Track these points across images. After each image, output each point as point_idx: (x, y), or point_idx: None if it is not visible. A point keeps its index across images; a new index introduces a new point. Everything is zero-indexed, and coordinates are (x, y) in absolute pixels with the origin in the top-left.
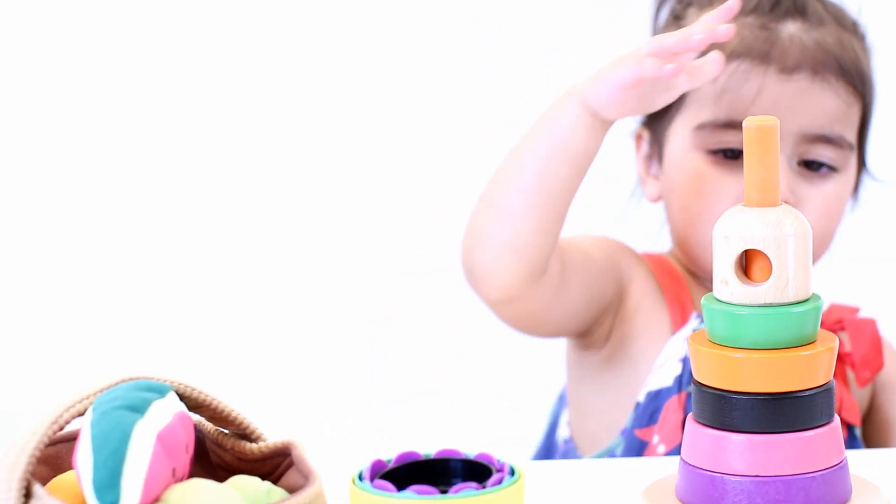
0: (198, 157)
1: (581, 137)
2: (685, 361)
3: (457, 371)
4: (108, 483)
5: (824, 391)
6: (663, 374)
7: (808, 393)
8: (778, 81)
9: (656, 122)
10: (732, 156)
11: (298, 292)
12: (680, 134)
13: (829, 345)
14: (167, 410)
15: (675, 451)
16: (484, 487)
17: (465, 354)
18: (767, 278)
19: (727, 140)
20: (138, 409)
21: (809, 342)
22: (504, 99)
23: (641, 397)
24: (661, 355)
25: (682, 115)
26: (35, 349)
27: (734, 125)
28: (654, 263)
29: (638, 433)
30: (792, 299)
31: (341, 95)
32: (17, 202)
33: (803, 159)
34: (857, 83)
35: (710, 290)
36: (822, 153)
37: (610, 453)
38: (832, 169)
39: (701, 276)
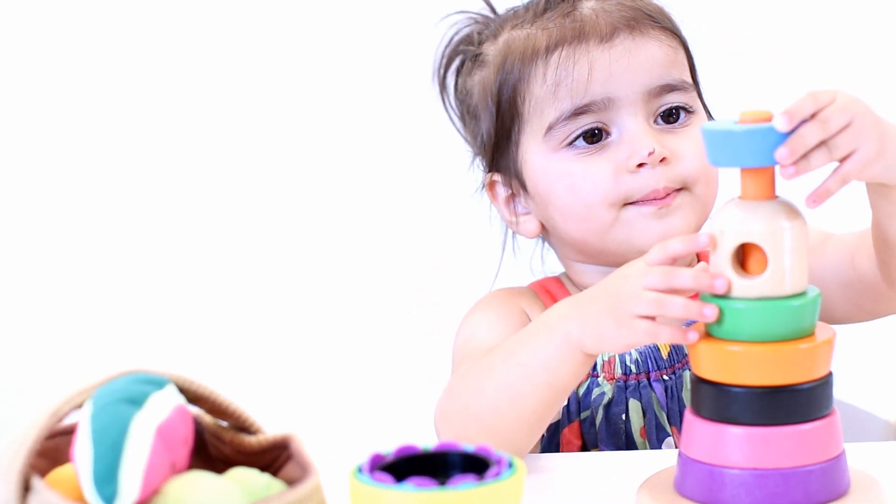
0: (195, 154)
1: (578, 375)
2: None
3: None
4: (107, 476)
5: (822, 384)
6: None
7: (806, 386)
8: (602, 51)
9: (502, 158)
10: (592, 140)
11: (297, 286)
12: (533, 149)
13: (827, 337)
14: (166, 403)
15: None
16: (482, 480)
17: None
18: (764, 272)
19: (580, 125)
20: (137, 401)
21: (807, 335)
22: None
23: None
24: None
25: (526, 132)
26: (35, 345)
27: (581, 111)
28: (543, 291)
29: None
30: (789, 292)
31: (341, 95)
32: (18, 202)
33: (659, 113)
34: (672, 27)
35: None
36: (673, 99)
37: None
38: (688, 112)
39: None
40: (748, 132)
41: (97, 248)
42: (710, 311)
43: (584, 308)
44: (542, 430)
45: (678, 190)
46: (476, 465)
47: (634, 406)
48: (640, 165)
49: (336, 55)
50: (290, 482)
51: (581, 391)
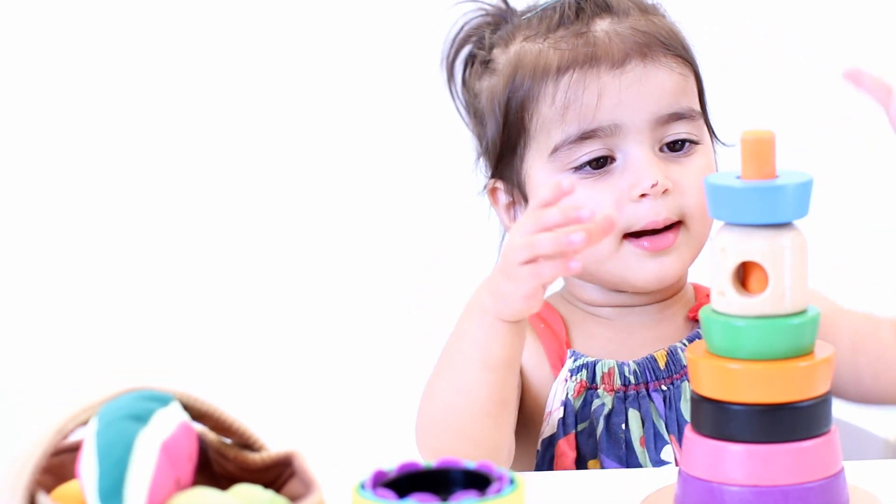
0: (195, 154)
1: (510, 346)
2: (565, 404)
3: None
4: (113, 492)
5: (822, 401)
6: (552, 421)
7: (805, 404)
8: (613, 77)
9: (506, 169)
10: (597, 165)
11: (301, 303)
12: (537, 166)
13: (827, 355)
14: (171, 420)
15: None
16: (484, 496)
17: None
18: (764, 290)
19: (586, 151)
20: (142, 418)
21: (807, 353)
22: None
23: (539, 446)
24: (548, 402)
25: (532, 148)
26: (35, 346)
27: (587, 136)
28: (533, 317)
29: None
30: (789, 310)
31: (341, 96)
32: (18, 203)
33: (665, 143)
34: (684, 53)
35: (600, 316)
36: (679, 130)
37: None
38: (694, 143)
39: (594, 305)
40: (750, 190)
41: (102, 262)
42: (577, 237)
43: (489, 280)
44: (506, 418)
45: (676, 223)
46: (478, 481)
47: (634, 416)
48: (643, 195)
49: (336, 56)
50: (294, 498)
51: (578, 404)
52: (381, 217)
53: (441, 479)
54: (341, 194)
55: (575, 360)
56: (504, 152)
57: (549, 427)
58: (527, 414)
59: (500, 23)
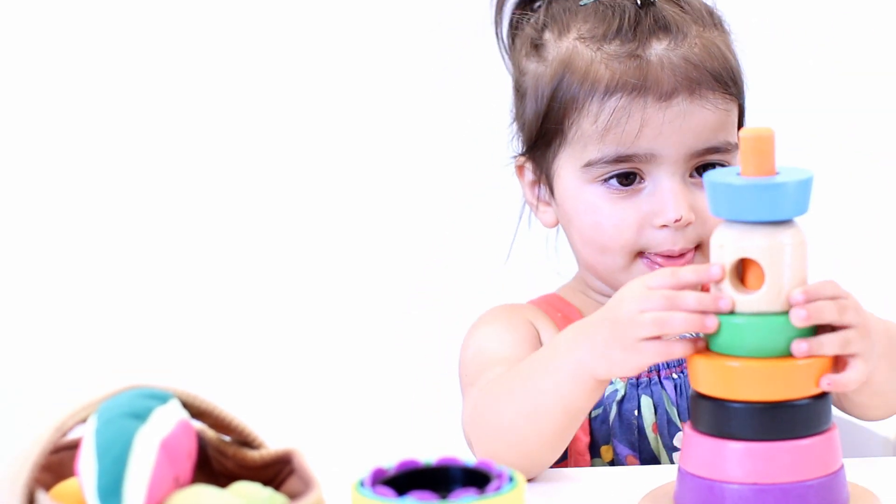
0: (199, 166)
1: (593, 399)
2: None
3: (458, 380)
4: (112, 490)
5: (821, 399)
6: None
7: (805, 401)
8: (658, 110)
9: (539, 154)
10: (626, 182)
11: (299, 301)
12: (568, 170)
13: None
14: (170, 418)
15: None
16: (483, 494)
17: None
18: (762, 287)
19: (618, 168)
20: (141, 416)
21: None
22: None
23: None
24: None
25: (566, 152)
26: (37, 354)
27: (622, 159)
28: (548, 307)
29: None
30: (788, 308)
31: (341, 95)
32: (19, 205)
33: (695, 168)
34: (731, 87)
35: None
36: (712, 159)
37: None
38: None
39: (606, 296)
40: (749, 187)
41: (102, 260)
42: (711, 323)
43: (590, 336)
44: (566, 443)
45: (692, 249)
46: (477, 479)
47: (646, 402)
48: (664, 226)
49: (336, 56)
50: (293, 496)
51: None
52: (381, 216)
53: (440, 477)
54: (341, 193)
55: None
56: (539, 142)
57: None
58: None
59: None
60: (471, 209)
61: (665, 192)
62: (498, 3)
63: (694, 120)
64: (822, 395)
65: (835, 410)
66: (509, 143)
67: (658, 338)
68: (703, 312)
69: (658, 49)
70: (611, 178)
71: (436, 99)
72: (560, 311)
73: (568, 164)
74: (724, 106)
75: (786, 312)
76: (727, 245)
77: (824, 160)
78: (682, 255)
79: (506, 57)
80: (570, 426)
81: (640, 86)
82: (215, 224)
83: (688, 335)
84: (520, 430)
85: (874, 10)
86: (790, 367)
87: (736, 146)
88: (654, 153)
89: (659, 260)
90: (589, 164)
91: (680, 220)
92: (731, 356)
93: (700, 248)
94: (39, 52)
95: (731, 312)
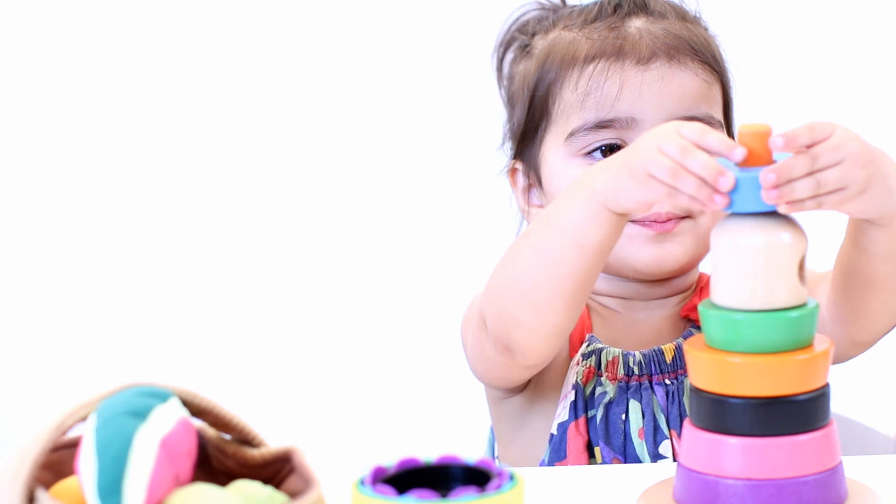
0: (199, 166)
1: (611, 237)
2: (577, 388)
3: (458, 378)
4: (112, 488)
5: (819, 395)
6: (565, 405)
7: (803, 397)
8: (637, 73)
9: (527, 149)
10: (609, 152)
11: (300, 299)
12: (553, 149)
13: (824, 348)
14: (170, 416)
15: None
16: (483, 492)
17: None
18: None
19: (601, 138)
20: (141, 414)
21: (805, 346)
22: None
23: (554, 429)
24: (564, 385)
25: (551, 132)
26: (37, 352)
27: (604, 125)
28: None
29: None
30: (787, 304)
31: (341, 95)
32: (19, 205)
33: None
34: (713, 62)
35: (609, 307)
36: None
37: None
38: None
39: (600, 294)
40: (745, 179)
41: (102, 259)
42: (725, 182)
43: (609, 164)
44: (576, 305)
45: (682, 217)
46: (477, 477)
47: (634, 407)
48: None
49: (336, 57)
50: (293, 495)
51: (588, 389)
52: (381, 214)
53: (441, 476)
54: (341, 191)
55: (588, 346)
56: (527, 133)
57: (564, 410)
58: (545, 392)
59: (548, 16)
60: (471, 209)
61: None
62: (499, 53)
63: (673, 84)
64: (821, 391)
65: (841, 410)
66: (502, 171)
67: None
68: (703, 181)
69: (637, 23)
70: (594, 150)
71: (437, 99)
72: None
73: (553, 144)
74: (704, 76)
75: (785, 308)
76: (727, 240)
77: None
78: (668, 220)
79: (505, 100)
80: (582, 269)
81: (618, 50)
82: (215, 223)
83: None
84: (533, 276)
85: (874, 11)
86: (789, 363)
87: (720, 123)
88: (634, 117)
89: (647, 225)
90: (572, 134)
91: None
92: (730, 352)
93: (689, 217)
94: (39, 52)
95: (731, 308)
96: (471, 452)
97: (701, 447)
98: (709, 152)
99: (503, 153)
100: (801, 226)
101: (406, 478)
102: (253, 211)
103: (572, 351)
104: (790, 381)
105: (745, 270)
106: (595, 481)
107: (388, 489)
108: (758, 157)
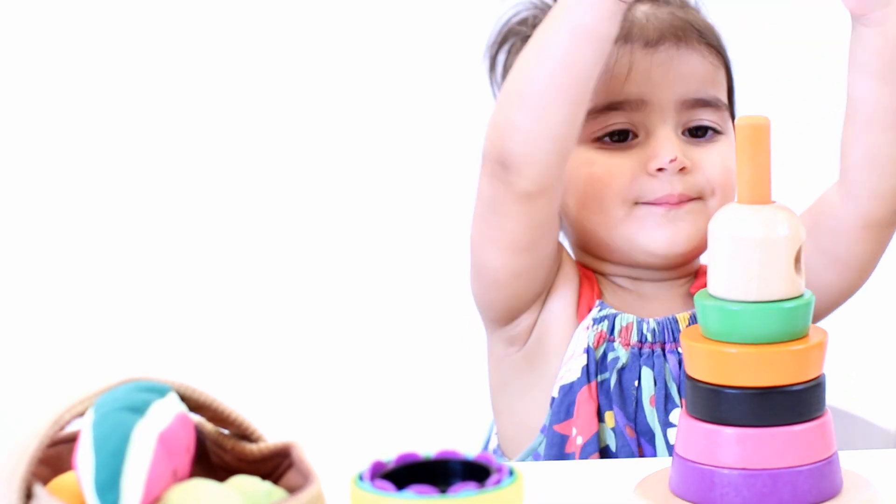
0: (197, 159)
1: (604, 20)
2: (588, 351)
3: (457, 372)
4: (109, 484)
5: (815, 385)
6: (572, 367)
7: (798, 387)
8: (645, 55)
9: None
10: (619, 138)
11: (298, 294)
12: None
13: (820, 339)
14: (168, 411)
15: (592, 440)
16: (483, 487)
17: (465, 356)
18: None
19: (610, 123)
20: (139, 409)
21: (801, 336)
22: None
23: (556, 392)
24: (569, 347)
25: None
26: (35, 349)
27: (613, 107)
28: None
29: (557, 428)
30: (783, 294)
31: (342, 96)
32: (18, 203)
33: (688, 128)
34: (717, 46)
35: (618, 284)
36: (704, 117)
37: (534, 453)
38: (717, 132)
39: (609, 274)
40: None
41: (99, 254)
42: None
43: None
44: (574, 103)
45: (692, 199)
46: (477, 472)
47: (647, 374)
48: (660, 170)
49: (336, 56)
50: (292, 490)
51: (599, 354)
52: (379, 208)
53: (440, 471)
54: (340, 184)
55: (600, 310)
56: None
57: (569, 373)
58: (548, 356)
59: (546, 9)
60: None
61: (658, 137)
62: (492, 51)
63: (682, 65)
64: (816, 382)
65: (841, 404)
66: None
67: None
68: None
69: (642, 8)
70: (602, 136)
71: (437, 99)
72: (583, 270)
73: None
74: (711, 58)
75: (781, 299)
76: (724, 231)
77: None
78: (681, 202)
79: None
80: (577, 55)
81: (627, 33)
82: (213, 219)
83: None
84: (529, 72)
85: None
86: (784, 354)
87: (726, 107)
88: (643, 99)
89: (657, 210)
90: None
91: (675, 159)
92: (727, 342)
93: (703, 199)
94: (39, 52)
95: (727, 299)
96: (470, 447)
97: (697, 437)
98: None
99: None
100: (798, 217)
101: (405, 473)
102: (250, 204)
103: (580, 315)
104: (786, 372)
105: (742, 261)
106: (593, 475)
107: (387, 484)
108: (756, 152)
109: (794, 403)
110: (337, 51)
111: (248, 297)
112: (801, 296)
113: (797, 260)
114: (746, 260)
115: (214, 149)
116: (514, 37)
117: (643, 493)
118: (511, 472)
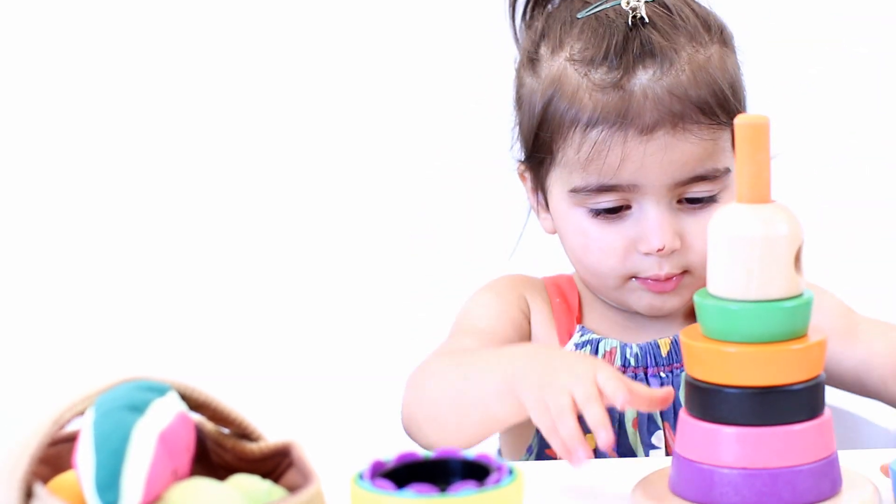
0: (197, 158)
1: (514, 414)
2: None
3: None
4: (109, 482)
5: (814, 385)
6: None
7: (798, 387)
8: (640, 143)
9: (534, 167)
10: (614, 211)
11: (298, 293)
12: (557, 190)
13: (819, 339)
14: (168, 410)
15: None
16: (482, 486)
17: None
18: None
19: (604, 201)
20: (139, 408)
21: (800, 336)
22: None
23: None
24: None
25: (555, 172)
26: (35, 349)
27: (606, 189)
28: (553, 289)
29: (549, 452)
30: (783, 294)
31: (342, 95)
32: (18, 202)
33: (683, 198)
34: (721, 113)
35: (607, 304)
36: (699, 189)
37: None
38: (711, 199)
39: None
40: None
41: (99, 253)
42: (576, 459)
43: (534, 364)
44: (484, 438)
45: (682, 274)
46: (476, 472)
47: None
48: (649, 253)
49: (336, 56)
50: (292, 489)
51: None
52: (380, 212)
53: (439, 470)
54: (344, 186)
55: (581, 335)
56: (533, 156)
57: None
58: None
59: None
60: (470, 208)
61: (650, 220)
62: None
63: (676, 153)
64: (816, 381)
65: (843, 405)
66: (510, 148)
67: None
68: (568, 449)
69: (643, 79)
70: (599, 213)
71: (437, 99)
72: (560, 296)
73: (557, 185)
74: (709, 136)
75: (781, 299)
76: (724, 231)
77: (825, 158)
78: (668, 279)
79: (518, 44)
80: (478, 433)
81: (622, 119)
82: (213, 219)
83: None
84: (440, 412)
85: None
86: (783, 353)
87: (725, 171)
88: (636, 184)
89: (649, 283)
90: (574, 191)
91: (662, 249)
92: (726, 342)
93: (689, 272)
94: (39, 52)
95: (727, 298)
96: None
97: (696, 436)
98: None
99: (511, 156)
100: (797, 218)
101: (405, 472)
102: (250, 205)
103: (561, 342)
104: (785, 371)
105: (742, 261)
106: (593, 474)
107: (387, 483)
108: (755, 151)
109: (794, 403)
110: (337, 51)
111: (247, 297)
112: (800, 295)
113: (797, 259)
114: (746, 259)
115: (214, 149)
116: (528, 35)
117: (643, 493)
118: (511, 472)
